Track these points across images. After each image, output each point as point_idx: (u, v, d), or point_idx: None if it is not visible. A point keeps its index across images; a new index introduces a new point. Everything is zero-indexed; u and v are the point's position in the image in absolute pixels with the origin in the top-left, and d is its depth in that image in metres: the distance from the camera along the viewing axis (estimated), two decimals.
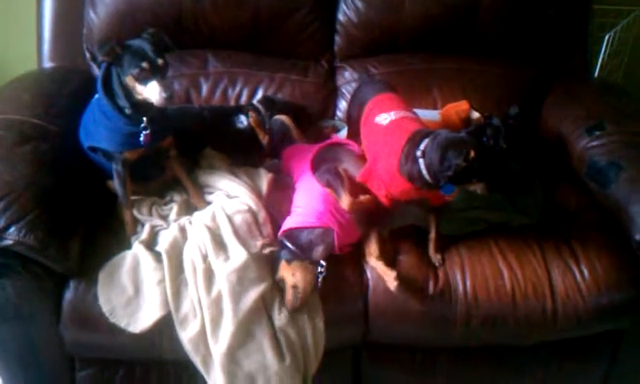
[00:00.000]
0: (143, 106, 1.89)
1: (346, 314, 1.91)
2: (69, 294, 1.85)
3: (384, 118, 1.96)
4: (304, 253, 1.88)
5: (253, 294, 1.84)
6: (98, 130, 1.97)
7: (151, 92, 1.82)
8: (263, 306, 1.84)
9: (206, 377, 1.84)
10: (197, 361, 1.83)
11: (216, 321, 1.82)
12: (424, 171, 1.76)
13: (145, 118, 1.91)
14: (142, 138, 1.92)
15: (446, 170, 1.70)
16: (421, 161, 1.76)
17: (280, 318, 1.85)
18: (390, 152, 1.85)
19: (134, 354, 1.92)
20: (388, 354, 2.03)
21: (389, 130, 1.91)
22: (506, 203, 2.12)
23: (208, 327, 1.82)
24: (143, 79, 1.82)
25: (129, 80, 1.83)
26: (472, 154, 1.65)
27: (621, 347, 2.06)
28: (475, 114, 2.15)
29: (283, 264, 1.88)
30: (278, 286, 1.89)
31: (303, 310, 1.86)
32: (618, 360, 2.08)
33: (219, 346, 1.80)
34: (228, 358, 1.80)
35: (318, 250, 1.90)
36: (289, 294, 1.85)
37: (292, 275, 1.85)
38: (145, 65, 1.80)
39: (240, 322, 1.81)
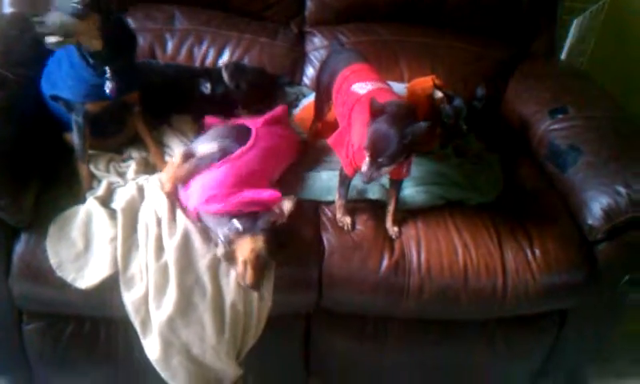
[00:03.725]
0: (104, 56, 1.85)
1: (299, 281, 1.91)
2: (20, 247, 1.81)
3: (361, 87, 1.95)
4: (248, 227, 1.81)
5: (198, 266, 1.82)
6: (62, 78, 1.92)
7: None
8: (210, 278, 1.82)
9: (142, 340, 1.82)
10: (136, 323, 1.81)
11: (160, 288, 1.80)
12: None
13: (108, 69, 1.87)
14: (106, 90, 1.88)
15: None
16: None
17: (232, 291, 1.83)
18: (364, 121, 1.85)
19: (83, 310, 1.90)
20: (340, 321, 2.04)
21: (366, 100, 1.91)
22: (466, 181, 2.14)
23: (152, 293, 1.80)
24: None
25: None
26: None
27: (565, 326, 2.11)
28: (438, 94, 2.15)
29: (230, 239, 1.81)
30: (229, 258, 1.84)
31: (261, 279, 1.82)
32: (561, 337, 2.14)
33: (160, 313, 1.79)
34: (167, 325, 1.79)
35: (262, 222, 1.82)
36: (241, 269, 1.78)
37: (240, 250, 1.78)
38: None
39: (183, 293, 1.79)
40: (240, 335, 1.85)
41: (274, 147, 2.07)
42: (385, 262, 1.93)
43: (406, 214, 2.03)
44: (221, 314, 1.82)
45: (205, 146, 2.00)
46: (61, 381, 2.12)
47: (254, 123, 2.08)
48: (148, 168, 2.08)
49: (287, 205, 1.83)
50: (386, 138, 1.71)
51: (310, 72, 2.58)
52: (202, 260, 1.83)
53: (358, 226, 1.99)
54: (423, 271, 1.93)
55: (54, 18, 1.74)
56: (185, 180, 1.94)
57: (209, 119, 2.18)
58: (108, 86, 1.88)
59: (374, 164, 1.74)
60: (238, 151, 1.96)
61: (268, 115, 2.16)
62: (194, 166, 1.94)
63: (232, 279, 1.83)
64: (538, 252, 1.97)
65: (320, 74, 2.25)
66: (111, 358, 1.98)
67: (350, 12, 2.61)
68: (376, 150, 1.72)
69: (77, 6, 1.74)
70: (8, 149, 1.83)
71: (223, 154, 1.95)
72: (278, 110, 2.22)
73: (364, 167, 1.76)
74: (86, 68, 1.87)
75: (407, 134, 1.70)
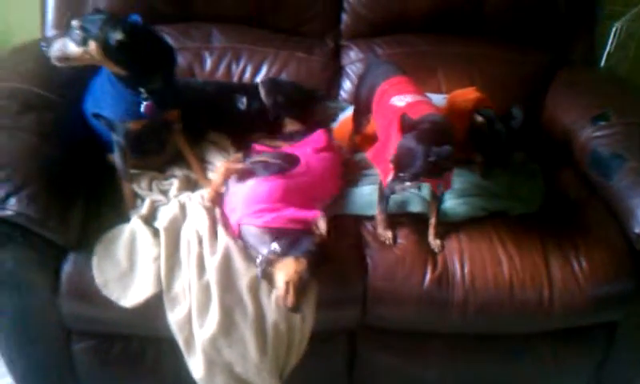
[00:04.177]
0: (133, 80, 1.88)
1: (344, 297, 1.91)
2: (67, 267, 1.84)
3: (400, 100, 1.94)
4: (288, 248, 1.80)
5: (239, 285, 1.82)
6: (104, 97, 1.96)
7: None
8: (251, 298, 1.82)
9: (186, 358, 1.83)
10: (180, 342, 1.82)
11: (203, 307, 1.81)
12: None
13: (142, 89, 1.89)
14: (142, 109, 1.91)
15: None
16: None
17: (274, 310, 1.82)
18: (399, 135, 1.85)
19: (128, 329, 1.93)
20: (383, 337, 2.03)
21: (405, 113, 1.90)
22: (507, 192, 2.12)
23: (195, 311, 1.80)
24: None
25: None
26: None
27: (615, 339, 2.07)
28: (479, 118, 2.14)
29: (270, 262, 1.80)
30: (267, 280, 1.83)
31: (302, 302, 1.78)
32: (611, 351, 2.10)
33: (203, 332, 1.79)
34: (210, 344, 1.79)
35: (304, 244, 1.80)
36: (282, 291, 1.74)
37: (281, 272, 1.76)
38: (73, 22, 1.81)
39: (226, 312, 1.80)
40: (283, 353, 1.85)
41: (324, 174, 2.08)
42: (428, 276, 1.92)
43: (448, 226, 2.02)
44: (263, 333, 1.82)
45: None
46: None
47: (303, 153, 2.09)
48: (190, 185, 2.10)
49: (322, 223, 1.83)
50: (411, 155, 1.70)
51: (346, 85, 2.58)
52: (243, 279, 1.84)
53: (400, 240, 1.98)
54: (467, 284, 1.91)
55: (57, 45, 1.81)
56: (237, 175, 1.96)
57: (257, 146, 2.17)
58: (144, 105, 1.91)
59: (397, 178, 1.74)
60: (291, 171, 1.98)
61: (315, 146, 2.15)
62: (248, 167, 1.97)
63: (273, 299, 1.83)
64: (584, 262, 1.94)
65: (358, 87, 2.25)
66: (158, 377, 2.00)
67: (386, 24, 2.61)
68: (399, 165, 1.72)
69: (77, 32, 1.79)
70: (55, 170, 1.86)
71: (277, 169, 1.97)
72: (322, 138, 2.19)
73: (388, 179, 1.77)
74: (124, 87, 1.91)
75: (433, 153, 1.68)
